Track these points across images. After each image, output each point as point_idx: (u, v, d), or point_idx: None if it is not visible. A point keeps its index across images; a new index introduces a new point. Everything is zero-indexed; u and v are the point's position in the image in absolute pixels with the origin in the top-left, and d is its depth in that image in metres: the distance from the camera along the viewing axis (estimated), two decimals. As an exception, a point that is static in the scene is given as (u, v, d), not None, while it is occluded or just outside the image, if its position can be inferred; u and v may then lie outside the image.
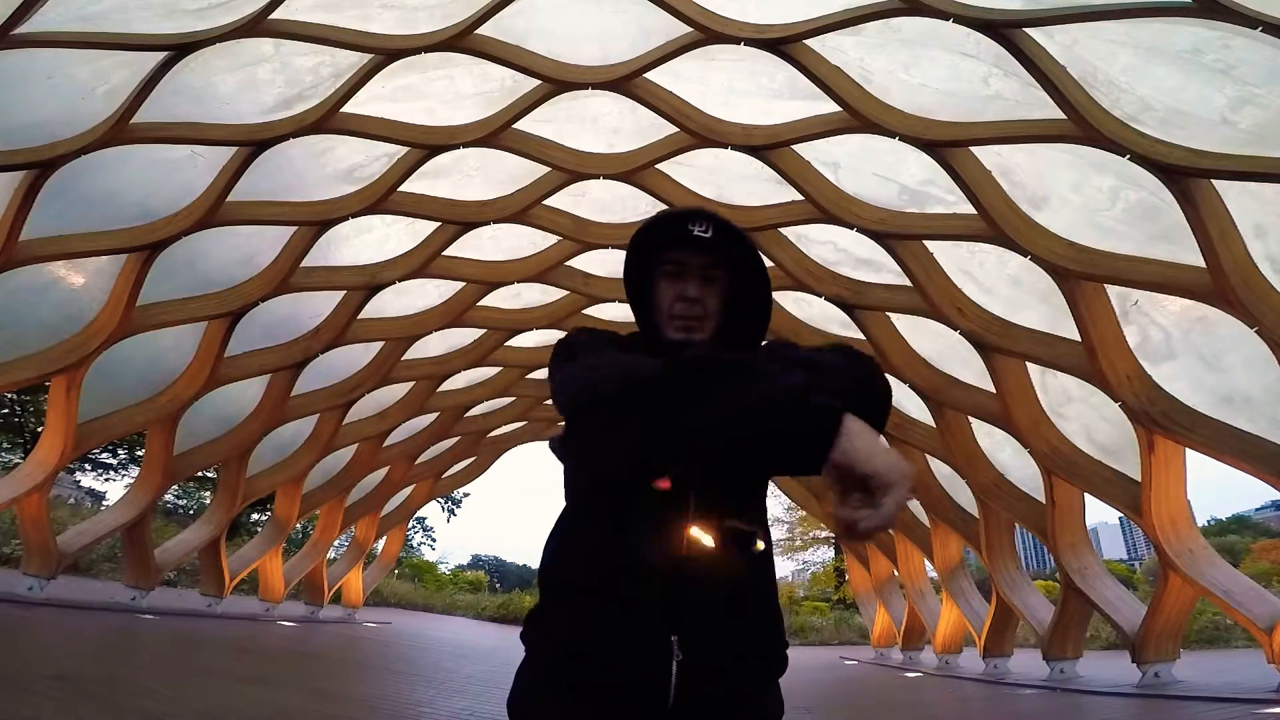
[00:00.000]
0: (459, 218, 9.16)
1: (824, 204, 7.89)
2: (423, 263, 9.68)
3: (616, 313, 11.01)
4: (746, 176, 8.14)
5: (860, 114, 6.79)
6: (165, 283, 8.64)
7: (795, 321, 9.80)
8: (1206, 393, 7.00)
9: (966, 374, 9.08)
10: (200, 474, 20.20)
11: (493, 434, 15.22)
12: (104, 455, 25.99)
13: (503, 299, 10.82)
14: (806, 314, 9.53)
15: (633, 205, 9.10)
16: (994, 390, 8.53)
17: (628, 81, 7.13)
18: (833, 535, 22.99)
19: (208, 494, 24.71)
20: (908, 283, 8.33)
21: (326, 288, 9.91)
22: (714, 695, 1.10)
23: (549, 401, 14.17)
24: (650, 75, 7.12)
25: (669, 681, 1.07)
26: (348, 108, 7.37)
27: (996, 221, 7.05)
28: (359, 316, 10.25)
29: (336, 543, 15.72)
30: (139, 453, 19.48)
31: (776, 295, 9.78)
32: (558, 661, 1.15)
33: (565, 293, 10.69)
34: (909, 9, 5.77)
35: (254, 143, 7.54)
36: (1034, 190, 7.07)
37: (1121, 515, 8.40)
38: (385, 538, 16.66)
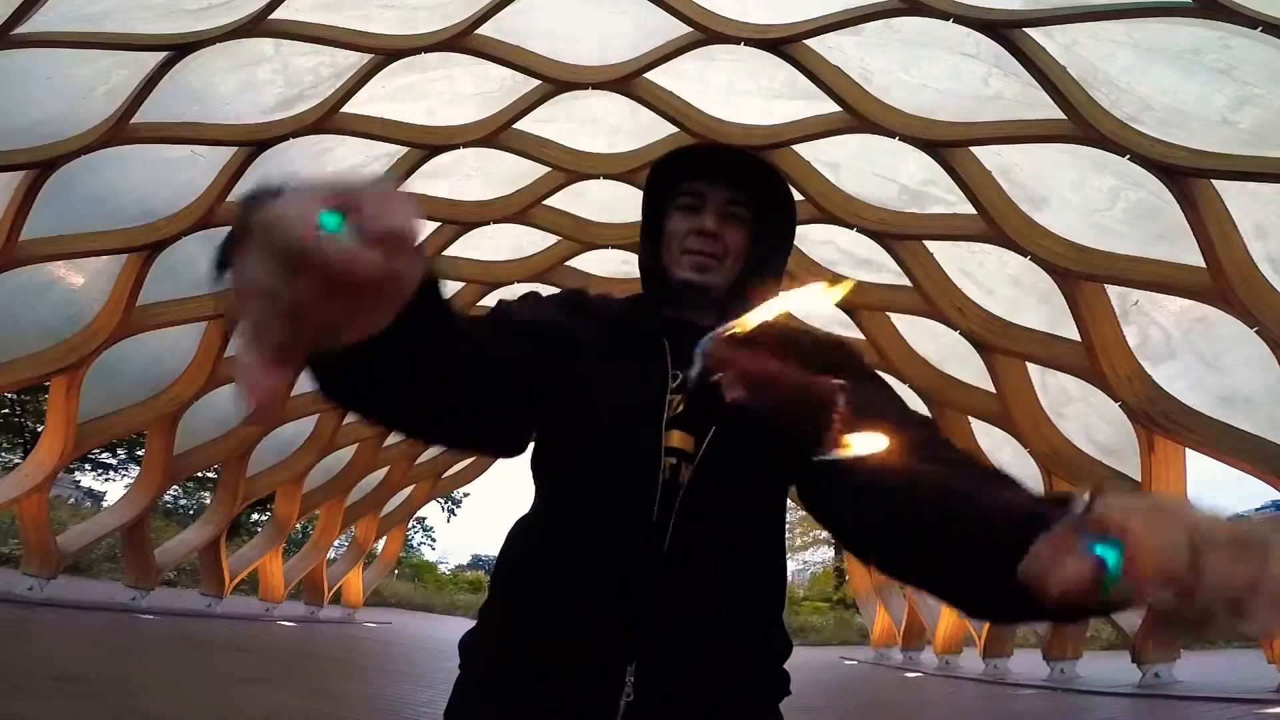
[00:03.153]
0: (459, 218, 9.15)
1: (824, 204, 7.89)
2: (422, 263, 9.67)
3: (616, 313, 11.00)
4: (746, 176, 8.13)
5: (860, 114, 6.79)
6: (165, 283, 8.63)
7: (795, 322, 9.79)
8: (1206, 393, 7.00)
9: (966, 374, 9.08)
10: (200, 474, 20.19)
11: (493, 434, 15.21)
12: (104, 455, 25.98)
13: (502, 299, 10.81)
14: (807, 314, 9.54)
15: (633, 205, 9.05)
16: (994, 390, 8.53)
17: (628, 81, 7.13)
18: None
19: (208, 494, 24.70)
20: (908, 283, 8.33)
21: (326, 288, 9.89)
22: None
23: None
24: (650, 75, 7.12)
25: None
26: (348, 108, 7.37)
27: (996, 221, 7.05)
28: (359, 316, 10.24)
29: (336, 543, 15.71)
30: (139, 453, 19.48)
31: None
32: (487, 676, 0.98)
33: (565, 293, 10.68)
34: (909, 9, 5.77)
35: (254, 143, 7.54)
36: (1034, 190, 7.07)
37: (1121, 515, 8.39)
38: (385, 538, 16.66)
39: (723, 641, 0.92)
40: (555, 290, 1.14)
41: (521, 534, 1.03)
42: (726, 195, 1.07)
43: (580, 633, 0.90)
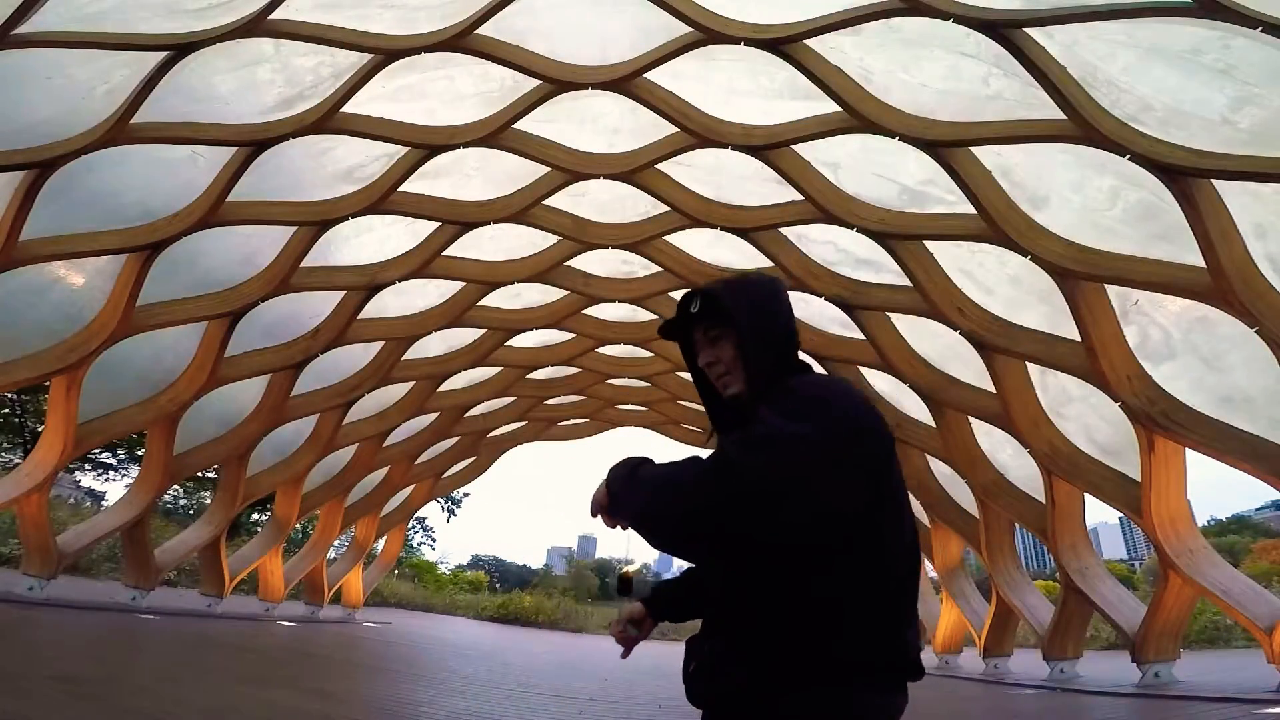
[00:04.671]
0: (459, 218, 9.16)
1: (824, 204, 7.89)
2: (423, 263, 9.68)
3: (616, 313, 11.00)
4: (746, 176, 8.14)
5: (860, 114, 6.79)
6: (165, 283, 8.64)
7: (795, 322, 9.78)
8: (1206, 393, 7.00)
9: (966, 374, 9.08)
10: (200, 474, 20.20)
11: (493, 434, 15.22)
12: (104, 455, 25.97)
13: (503, 299, 10.82)
14: (806, 314, 9.53)
15: (633, 205, 9.10)
16: (994, 390, 8.52)
17: (628, 81, 7.13)
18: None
19: (208, 494, 24.71)
20: (908, 283, 8.33)
21: (326, 288, 9.91)
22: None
23: (549, 401, 14.26)
24: (650, 75, 7.12)
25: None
26: (348, 108, 7.37)
27: (996, 221, 7.05)
28: (359, 316, 10.25)
29: (336, 543, 15.71)
30: (139, 453, 19.48)
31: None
32: None
33: (565, 293, 10.69)
34: (909, 9, 5.77)
35: (254, 143, 7.54)
36: (1034, 190, 7.07)
37: (1121, 515, 8.40)
38: (385, 538, 16.67)
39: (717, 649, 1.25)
40: None
41: None
42: (703, 330, 1.41)
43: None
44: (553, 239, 9.73)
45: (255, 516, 25.69)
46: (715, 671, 1.20)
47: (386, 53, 6.83)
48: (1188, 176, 5.81)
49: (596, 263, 10.11)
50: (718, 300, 1.39)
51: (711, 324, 1.39)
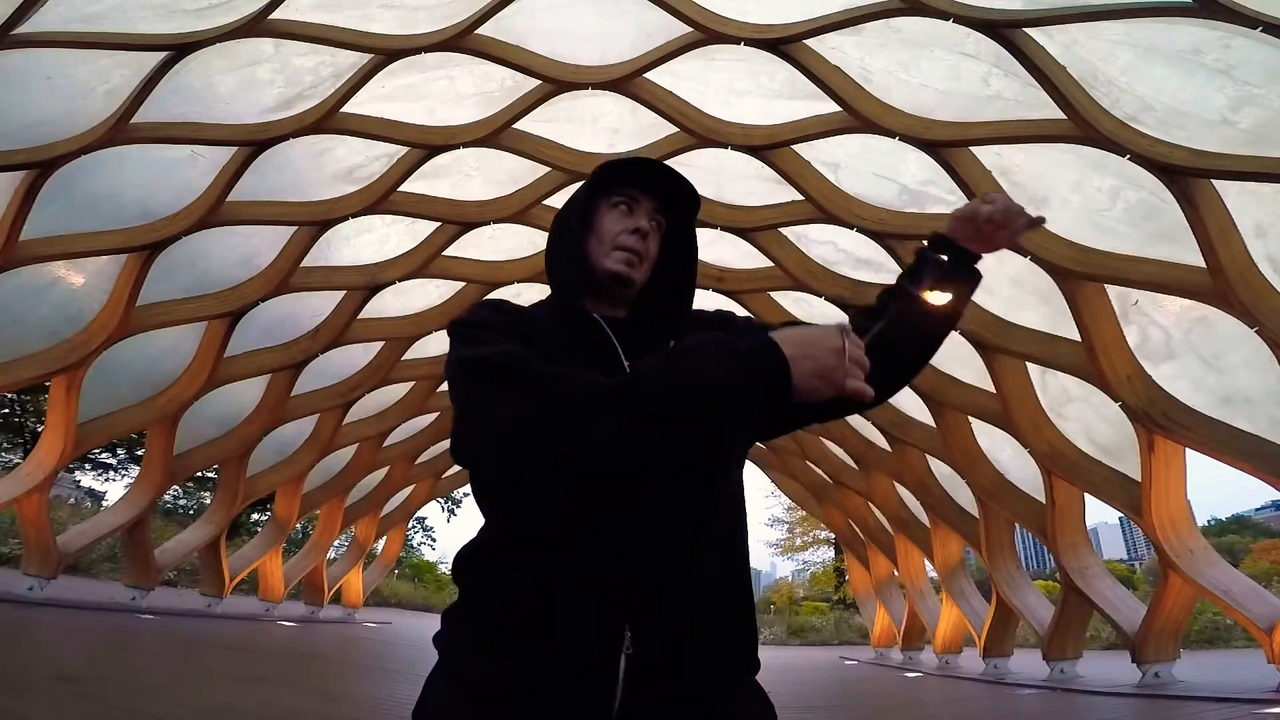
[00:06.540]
0: (459, 218, 9.16)
1: (824, 204, 7.89)
2: (423, 263, 9.68)
3: (616, 313, 11.00)
4: (746, 176, 8.13)
5: (860, 114, 6.79)
6: (165, 283, 8.64)
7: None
8: (1206, 393, 7.00)
9: (966, 374, 9.07)
10: (200, 474, 20.19)
11: (493, 434, 15.20)
12: (104, 455, 25.97)
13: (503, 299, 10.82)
14: (806, 314, 9.54)
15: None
16: (994, 390, 8.52)
17: (628, 81, 7.13)
18: (833, 535, 22.83)
19: (208, 494, 24.70)
20: (908, 283, 8.32)
21: (326, 288, 9.91)
22: (670, 697, 0.94)
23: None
24: (650, 75, 7.12)
25: (615, 681, 0.92)
26: (348, 108, 7.37)
27: (996, 221, 7.03)
28: (359, 316, 10.25)
29: (336, 543, 15.71)
30: (139, 453, 19.47)
31: (776, 295, 9.78)
32: (473, 662, 1.01)
33: (565, 293, 10.68)
34: (909, 9, 5.77)
35: (254, 143, 7.54)
36: (1034, 190, 7.07)
37: (1121, 515, 8.40)
38: (385, 538, 16.67)
39: (708, 600, 1.00)
40: (486, 318, 1.18)
41: (493, 540, 1.07)
42: (653, 204, 1.20)
43: (573, 598, 0.96)
44: (553, 239, 9.72)
45: (255, 516, 25.68)
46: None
47: (386, 53, 6.84)
48: (1188, 176, 5.81)
49: (596, 263, 10.10)
50: (692, 196, 1.23)
51: (661, 207, 1.21)
